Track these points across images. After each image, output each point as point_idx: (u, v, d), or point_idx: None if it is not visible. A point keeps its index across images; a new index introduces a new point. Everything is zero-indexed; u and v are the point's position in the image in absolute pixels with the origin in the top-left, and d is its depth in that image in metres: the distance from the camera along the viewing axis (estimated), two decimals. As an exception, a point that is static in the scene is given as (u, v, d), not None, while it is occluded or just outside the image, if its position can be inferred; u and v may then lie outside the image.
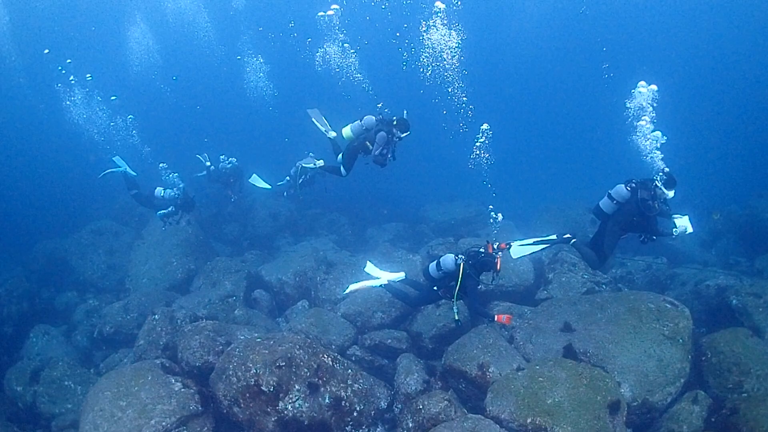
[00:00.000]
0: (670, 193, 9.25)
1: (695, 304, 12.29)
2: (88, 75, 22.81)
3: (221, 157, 17.46)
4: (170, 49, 33.63)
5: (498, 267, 9.42)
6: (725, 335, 9.97)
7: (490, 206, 11.89)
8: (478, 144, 12.68)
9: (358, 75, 17.54)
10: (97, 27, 33.44)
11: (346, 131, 11.37)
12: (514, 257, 10.83)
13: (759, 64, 41.97)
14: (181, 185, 14.77)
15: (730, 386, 9.22)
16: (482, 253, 9.57)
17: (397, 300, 11.02)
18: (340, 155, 11.81)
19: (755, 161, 33.93)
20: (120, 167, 15.29)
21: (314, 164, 12.60)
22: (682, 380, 9.10)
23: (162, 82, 32.40)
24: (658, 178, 9.29)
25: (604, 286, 12.57)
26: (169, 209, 14.63)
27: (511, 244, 10.08)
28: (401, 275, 10.70)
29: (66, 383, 11.17)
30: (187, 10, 32.54)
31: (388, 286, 10.56)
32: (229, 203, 18.92)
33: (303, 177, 15.17)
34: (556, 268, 13.05)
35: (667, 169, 9.39)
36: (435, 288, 9.93)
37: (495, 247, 9.56)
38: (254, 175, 17.58)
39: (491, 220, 11.87)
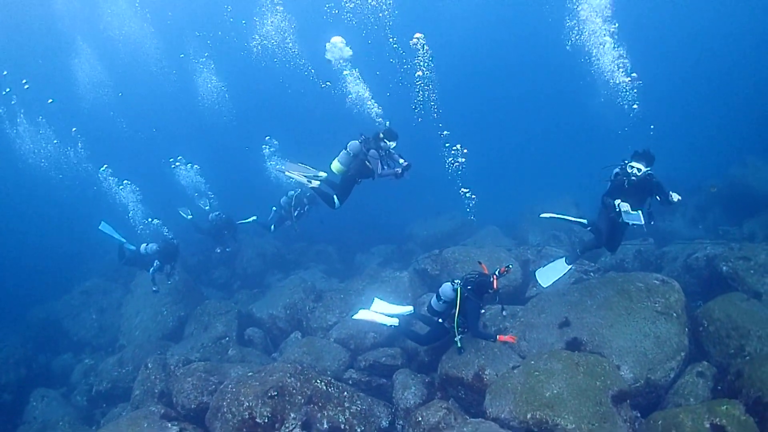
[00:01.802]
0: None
1: (687, 278, 12.29)
2: (50, 100, 22.61)
3: (206, 208, 17.61)
4: (118, 69, 33.35)
5: (495, 286, 9.21)
6: (719, 302, 9.92)
7: (472, 217, 11.77)
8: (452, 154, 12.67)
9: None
10: (42, 57, 33.10)
11: (335, 165, 10.86)
12: (544, 286, 10.88)
13: (736, 37, 42.56)
14: (164, 236, 14.77)
15: (732, 352, 9.11)
16: (477, 275, 9.46)
17: (409, 341, 10.65)
18: (325, 176, 11.14)
19: (733, 131, 34.11)
20: (115, 237, 15.44)
21: (309, 182, 11.19)
22: (682, 354, 8.98)
23: (114, 109, 32.21)
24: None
25: (592, 274, 12.51)
26: (155, 264, 14.59)
27: (510, 267, 9.72)
28: (410, 309, 10.46)
29: (68, 441, 11.12)
30: (131, 27, 32.34)
31: (399, 328, 10.23)
32: (215, 250, 18.76)
33: (298, 209, 15.21)
34: (541, 263, 13.00)
35: None
36: (440, 321, 9.70)
37: (497, 273, 9.29)
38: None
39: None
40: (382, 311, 10.33)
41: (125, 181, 18.69)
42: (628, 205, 9.23)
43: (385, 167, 10.52)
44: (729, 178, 19.19)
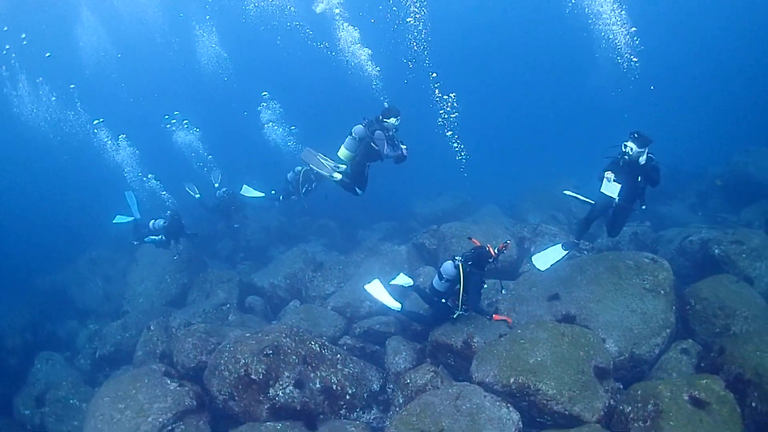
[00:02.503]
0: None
1: (681, 261, 12.48)
2: (47, 53, 22.51)
3: (219, 177, 17.66)
4: (121, 36, 33.04)
5: (493, 253, 9.40)
6: (707, 282, 10.17)
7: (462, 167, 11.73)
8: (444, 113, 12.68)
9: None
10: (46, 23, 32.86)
11: (343, 152, 11.01)
12: (541, 270, 10.95)
13: (735, 24, 42.32)
14: (167, 212, 15.05)
15: (717, 330, 9.35)
16: (474, 249, 9.60)
17: (413, 322, 10.77)
18: (343, 173, 11.31)
19: (739, 120, 34.05)
20: (130, 216, 15.87)
21: (331, 175, 11.42)
22: (668, 330, 9.22)
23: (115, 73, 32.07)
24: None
25: (585, 252, 12.72)
26: (160, 237, 14.97)
27: (509, 243, 9.93)
28: (409, 281, 10.49)
29: (71, 401, 11.58)
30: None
31: (403, 311, 10.35)
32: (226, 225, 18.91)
33: (306, 186, 15.23)
34: (536, 240, 13.27)
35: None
36: (444, 300, 9.79)
37: (496, 251, 9.49)
38: (244, 186, 17.57)
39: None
40: (376, 295, 10.45)
41: (121, 136, 18.76)
42: (613, 176, 9.48)
43: (391, 148, 10.64)
44: (731, 165, 19.29)
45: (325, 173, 11.25)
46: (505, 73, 46.42)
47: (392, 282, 10.51)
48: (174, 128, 19.22)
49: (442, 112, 13.57)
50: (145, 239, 15.08)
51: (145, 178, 15.61)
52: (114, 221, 16.27)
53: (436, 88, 14.73)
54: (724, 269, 11.09)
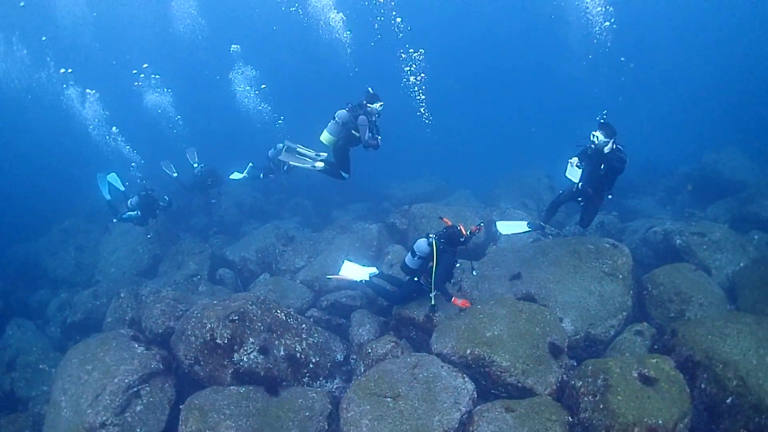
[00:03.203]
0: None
1: (644, 251, 12.84)
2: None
3: (195, 157, 17.63)
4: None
5: (464, 233, 9.56)
6: (665, 269, 10.55)
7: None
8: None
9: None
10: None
11: (325, 136, 11.21)
12: (501, 232, 11.65)
13: (711, 26, 42.93)
14: (143, 192, 15.13)
15: (672, 315, 9.72)
16: (446, 228, 9.72)
17: (379, 296, 10.82)
18: (326, 156, 11.66)
19: (709, 119, 34.70)
20: (107, 196, 15.80)
21: (313, 166, 11.81)
22: (624, 313, 9.56)
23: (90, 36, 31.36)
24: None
25: (550, 237, 13.04)
26: (136, 213, 15.05)
27: (482, 226, 10.14)
28: (373, 270, 10.73)
29: (41, 366, 11.74)
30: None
31: (369, 283, 10.55)
32: (199, 199, 18.84)
33: (286, 164, 15.33)
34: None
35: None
36: (416, 279, 9.87)
37: (468, 232, 9.69)
38: (234, 172, 17.50)
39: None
40: (350, 272, 10.70)
41: (88, 91, 18.56)
42: (576, 161, 9.86)
43: (371, 134, 10.83)
44: (701, 163, 19.75)
45: (308, 166, 11.53)
46: (483, 63, 46.67)
47: (338, 274, 10.79)
48: (144, 87, 18.94)
49: (407, 69, 13.71)
50: (123, 216, 15.07)
51: (108, 136, 15.39)
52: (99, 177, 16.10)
53: (403, 53, 14.92)
54: (684, 259, 11.42)
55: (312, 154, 11.75)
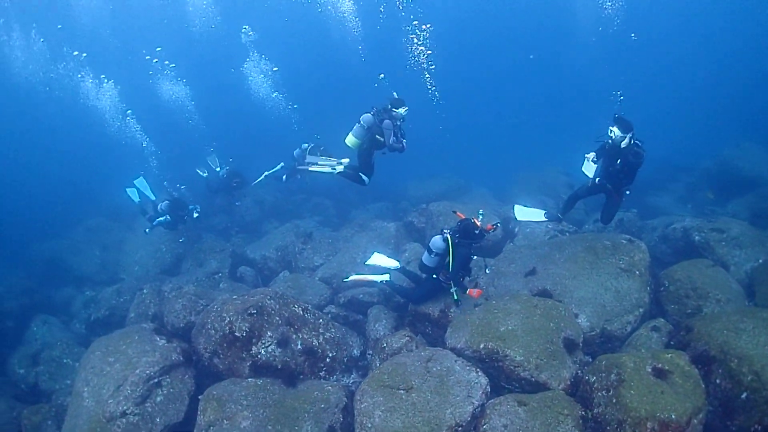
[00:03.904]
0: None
1: (663, 248, 12.82)
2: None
3: (217, 162, 17.89)
4: None
5: (478, 224, 9.54)
6: (683, 265, 10.53)
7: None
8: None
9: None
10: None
11: (350, 139, 11.36)
12: (517, 218, 11.90)
13: (730, 21, 42.41)
14: (174, 194, 15.53)
15: (689, 311, 9.67)
16: (459, 222, 9.73)
17: (398, 295, 10.82)
18: (348, 161, 11.84)
19: (729, 115, 34.26)
20: (137, 199, 16.34)
21: (333, 169, 12.00)
22: (641, 310, 9.57)
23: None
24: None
25: (567, 234, 13.05)
26: (165, 217, 15.39)
27: (498, 225, 10.10)
28: (395, 263, 10.77)
29: (65, 361, 12.03)
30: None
31: (390, 283, 10.61)
32: (222, 200, 19.08)
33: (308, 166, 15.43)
34: (520, 221, 13.55)
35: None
36: (434, 276, 9.90)
37: (486, 230, 9.66)
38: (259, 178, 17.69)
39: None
40: (379, 263, 10.77)
41: (102, 76, 18.80)
42: (593, 156, 9.92)
43: (396, 137, 11.02)
44: (720, 159, 19.57)
45: (327, 170, 11.76)
46: (500, 61, 46.54)
47: (367, 262, 10.89)
48: (158, 76, 19.23)
49: (413, 37, 13.79)
50: (154, 222, 15.42)
51: (122, 123, 15.70)
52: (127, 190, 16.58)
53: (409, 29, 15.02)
54: (703, 256, 11.36)
55: (333, 162, 11.95)
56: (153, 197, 16.30)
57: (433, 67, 15.17)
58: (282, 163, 17.03)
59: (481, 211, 9.99)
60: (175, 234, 16.34)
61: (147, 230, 15.69)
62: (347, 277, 11.15)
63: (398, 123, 11.05)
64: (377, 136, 11.05)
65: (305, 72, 34.16)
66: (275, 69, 21.51)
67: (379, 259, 10.84)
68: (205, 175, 17.80)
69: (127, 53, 31.16)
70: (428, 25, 14.96)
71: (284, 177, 16.91)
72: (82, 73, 19.66)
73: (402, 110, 10.99)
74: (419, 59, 14.99)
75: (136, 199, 16.35)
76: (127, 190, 16.39)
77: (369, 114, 11.14)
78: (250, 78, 21.36)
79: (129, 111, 15.72)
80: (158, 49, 20.30)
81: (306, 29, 33.40)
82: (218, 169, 17.69)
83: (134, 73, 24.91)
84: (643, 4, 36.32)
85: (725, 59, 42.73)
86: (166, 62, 19.87)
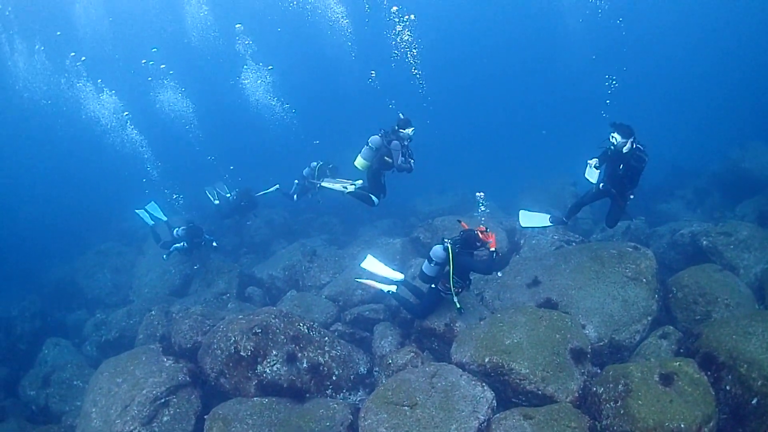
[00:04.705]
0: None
1: (672, 255, 12.72)
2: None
3: (226, 189, 17.96)
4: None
5: (482, 237, 9.41)
6: (690, 271, 10.41)
7: (478, 193, 12.22)
8: None
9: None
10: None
11: (359, 161, 11.53)
12: (522, 225, 11.91)
13: (733, 22, 42.32)
14: (190, 222, 15.69)
15: (697, 318, 9.55)
16: (462, 232, 9.72)
17: (403, 309, 10.77)
18: (361, 183, 12.01)
19: (736, 116, 34.05)
20: (150, 222, 16.51)
21: (345, 188, 12.28)
22: (649, 318, 9.48)
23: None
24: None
25: (573, 244, 12.98)
26: (182, 244, 15.45)
27: (488, 231, 10.03)
28: (401, 276, 10.78)
29: (75, 383, 12.13)
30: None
31: (396, 295, 10.61)
32: (232, 220, 19.15)
33: (319, 183, 15.44)
34: (526, 233, 13.54)
35: None
36: (434, 286, 9.91)
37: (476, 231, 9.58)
38: (261, 192, 17.56)
39: (479, 203, 12.06)
40: (373, 269, 10.81)
41: (99, 81, 18.94)
42: (596, 162, 9.94)
43: (404, 158, 11.15)
44: (728, 161, 19.45)
45: (340, 188, 12.07)
46: (505, 72, 46.65)
47: (361, 265, 10.96)
48: (155, 81, 19.45)
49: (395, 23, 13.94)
50: (171, 249, 15.51)
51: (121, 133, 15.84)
52: (137, 212, 16.77)
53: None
54: (712, 260, 11.25)
55: (347, 182, 12.21)
56: (164, 218, 16.45)
57: (418, 59, 15.25)
58: (277, 185, 16.97)
59: (487, 229, 9.91)
60: (189, 259, 16.41)
61: (165, 256, 15.71)
62: (359, 278, 11.16)
63: (406, 143, 11.17)
64: (386, 158, 11.17)
65: (299, 74, 34.38)
66: (270, 68, 21.69)
67: (372, 264, 10.89)
68: (216, 202, 17.84)
69: (126, 63, 31.47)
70: (411, 16, 15.09)
71: (294, 197, 16.84)
72: (81, 83, 19.88)
73: (409, 131, 11.12)
74: (404, 49, 15.10)
75: (149, 221, 16.48)
76: (138, 212, 16.51)
77: (377, 136, 11.29)
78: (248, 85, 21.56)
79: (127, 114, 15.79)
80: (154, 49, 20.43)
81: (298, 32, 33.60)
82: (228, 195, 17.74)
83: (133, 83, 25.18)
84: (644, 6, 36.38)
85: (729, 59, 42.60)
86: (162, 66, 20.00)
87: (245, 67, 21.84)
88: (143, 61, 21.13)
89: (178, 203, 16.01)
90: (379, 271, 10.74)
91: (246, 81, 21.74)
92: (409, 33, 15.07)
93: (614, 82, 10.55)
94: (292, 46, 36.65)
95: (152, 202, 16.67)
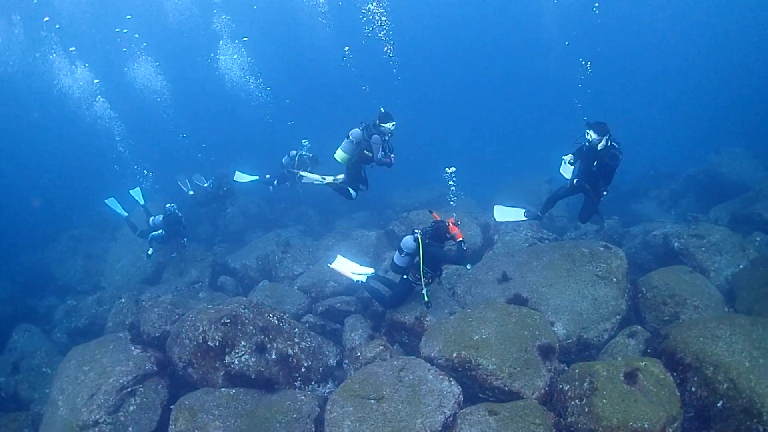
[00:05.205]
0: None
1: (644, 255, 12.85)
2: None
3: (203, 179, 17.73)
4: None
5: (451, 229, 9.47)
6: (660, 272, 10.52)
7: (448, 169, 12.25)
8: None
9: None
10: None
11: (339, 155, 11.61)
12: (496, 219, 12.04)
13: (712, 28, 42.81)
14: (169, 208, 15.35)
15: (666, 318, 9.67)
16: (433, 223, 9.80)
17: (375, 300, 10.86)
18: (341, 176, 12.02)
19: (711, 120, 34.50)
20: (122, 213, 16.26)
21: (322, 181, 12.35)
22: (618, 317, 9.57)
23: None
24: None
25: (546, 241, 13.07)
26: (160, 232, 15.19)
27: (458, 222, 10.00)
28: (371, 270, 10.94)
29: (44, 370, 11.98)
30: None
31: (367, 286, 10.71)
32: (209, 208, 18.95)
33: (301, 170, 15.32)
34: (500, 228, 13.61)
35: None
36: (405, 276, 10.07)
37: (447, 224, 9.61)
38: (237, 172, 17.45)
39: (448, 180, 12.18)
40: (343, 270, 10.90)
41: (72, 49, 18.61)
42: (571, 158, 10.03)
43: (384, 152, 11.19)
44: (704, 165, 19.68)
45: (317, 179, 12.15)
46: (484, 72, 46.79)
47: (330, 265, 11.04)
48: (130, 51, 19.20)
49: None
50: (149, 237, 15.20)
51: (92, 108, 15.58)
52: (106, 201, 16.46)
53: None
54: (683, 262, 11.41)
55: (329, 178, 12.18)
56: (142, 202, 16.16)
57: (392, 42, 15.27)
58: (258, 176, 16.88)
59: (458, 222, 9.92)
60: (165, 248, 16.18)
61: (150, 252, 15.06)
62: (331, 263, 11.21)
63: (386, 138, 11.22)
64: (366, 152, 11.25)
65: (275, 52, 34.11)
66: (245, 39, 21.50)
67: (342, 264, 10.97)
68: (191, 193, 17.59)
69: (101, 34, 30.78)
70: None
71: (275, 182, 16.62)
72: (54, 54, 19.49)
73: (390, 125, 11.15)
74: (377, 29, 15.13)
75: (123, 212, 16.19)
76: (108, 202, 16.22)
77: (358, 129, 11.34)
78: (222, 62, 21.34)
79: (97, 82, 15.53)
80: (128, 17, 20.10)
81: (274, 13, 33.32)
82: (205, 185, 17.54)
83: (107, 55, 24.63)
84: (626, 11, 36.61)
85: (710, 65, 43.08)
86: (136, 35, 19.70)
87: (221, 42, 21.55)
88: (117, 29, 20.71)
89: (146, 180, 15.68)
90: (349, 270, 10.84)
91: (221, 58, 21.46)
92: (382, 10, 15.04)
93: (588, 69, 10.64)
94: (268, 24, 36.34)
95: (137, 187, 16.38)
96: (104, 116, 17.00)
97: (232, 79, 22.92)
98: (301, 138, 15.72)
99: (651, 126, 33.67)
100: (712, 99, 39.66)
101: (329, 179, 12.03)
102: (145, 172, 16.12)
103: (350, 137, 11.40)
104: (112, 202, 16.22)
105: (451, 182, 12.06)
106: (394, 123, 11.17)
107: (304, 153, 15.40)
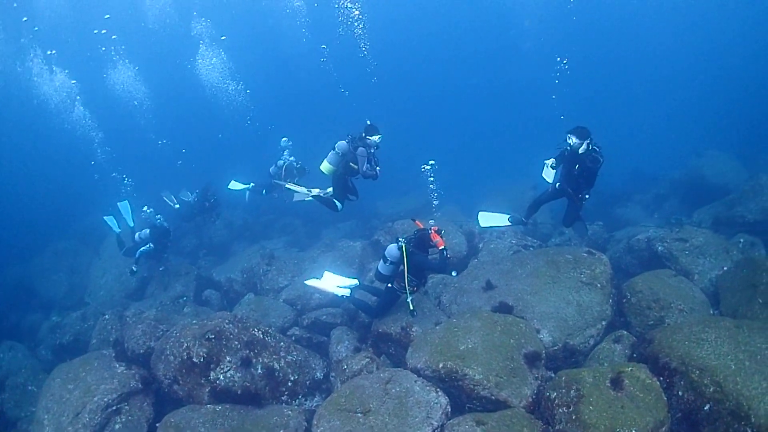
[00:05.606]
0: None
1: (628, 259, 12.88)
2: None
3: (189, 194, 17.53)
4: None
5: (433, 237, 9.49)
6: (644, 276, 10.58)
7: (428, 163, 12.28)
8: None
9: None
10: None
11: (325, 166, 11.54)
12: (481, 226, 12.01)
13: (697, 32, 43.25)
14: (157, 219, 15.20)
15: (651, 323, 9.70)
16: (416, 231, 9.84)
17: (360, 311, 10.96)
18: (330, 189, 12.03)
19: (700, 122, 34.78)
20: (117, 229, 15.94)
21: (308, 194, 12.44)
22: (603, 323, 9.59)
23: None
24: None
25: (531, 248, 13.11)
26: (148, 246, 14.95)
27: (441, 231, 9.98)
28: (354, 282, 10.92)
29: (29, 388, 11.85)
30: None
31: (352, 299, 10.73)
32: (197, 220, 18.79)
33: (288, 180, 15.14)
34: (485, 237, 13.64)
35: None
36: (390, 285, 10.00)
37: (430, 231, 9.63)
38: (232, 181, 17.33)
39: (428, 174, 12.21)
40: (330, 283, 10.82)
41: (51, 52, 18.47)
42: (553, 162, 10.13)
43: (370, 164, 11.16)
44: (688, 168, 19.81)
45: (305, 191, 12.25)
46: (468, 77, 47.01)
47: (308, 283, 11.01)
48: (108, 53, 19.12)
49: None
50: (137, 254, 14.89)
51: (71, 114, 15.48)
52: (105, 218, 16.23)
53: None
54: (667, 266, 11.45)
55: (316, 191, 12.27)
56: (131, 224, 15.85)
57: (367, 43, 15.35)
58: (252, 183, 16.76)
59: (443, 230, 9.92)
60: (153, 263, 15.98)
61: (134, 268, 14.76)
62: (306, 281, 11.20)
63: (372, 150, 11.21)
64: (351, 164, 11.22)
65: (254, 56, 34.06)
66: (223, 38, 21.44)
67: (325, 282, 10.88)
68: (177, 206, 17.41)
69: (79, 37, 30.46)
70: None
71: (263, 191, 16.63)
72: (32, 55, 19.32)
73: (376, 138, 11.16)
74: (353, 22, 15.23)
75: (116, 229, 15.97)
76: (107, 219, 16.02)
77: (344, 141, 11.30)
78: (202, 66, 21.29)
79: (74, 83, 15.40)
80: (107, 16, 19.98)
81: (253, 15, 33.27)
82: (190, 199, 17.35)
83: (86, 59, 24.31)
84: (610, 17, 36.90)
85: (693, 68, 43.50)
86: (114, 36, 19.57)
87: (201, 44, 21.51)
88: (95, 31, 20.55)
89: (126, 188, 15.51)
90: (333, 285, 10.80)
91: (200, 61, 21.41)
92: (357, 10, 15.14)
93: (566, 65, 10.75)
94: (247, 27, 36.30)
95: (125, 201, 16.15)
96: (83, 123, 16.74)
97: (212, 83, 22.84)
98: (280, 137, 15.66)
99: (634, 130, 33.91)
100: (695, 102, 39.99)
101: (315, 191, 12.04)
102: (125, 179, 15.88)
103: (336, 149, 11.37)
104: (110, 220, 16.04)
105: (431, 178, 12.07)
106: (380, 136, 11.19)
107: (291, 159, 15.41)
